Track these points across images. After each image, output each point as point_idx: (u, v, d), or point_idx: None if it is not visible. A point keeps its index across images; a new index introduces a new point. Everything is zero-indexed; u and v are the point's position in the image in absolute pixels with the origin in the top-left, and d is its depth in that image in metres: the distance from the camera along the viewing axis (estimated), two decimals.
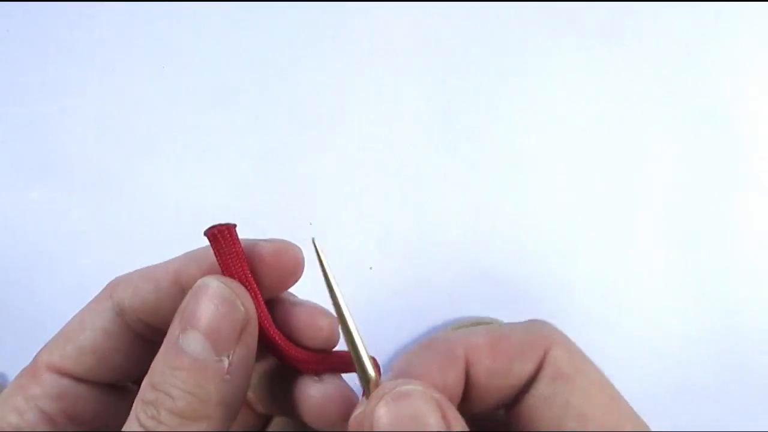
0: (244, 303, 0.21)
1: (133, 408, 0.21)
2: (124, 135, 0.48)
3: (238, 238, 0.23)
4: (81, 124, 0.48)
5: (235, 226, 0.23)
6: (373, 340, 0.43)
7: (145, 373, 0.21)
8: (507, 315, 0.45)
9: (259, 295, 0.23)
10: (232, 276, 0.22)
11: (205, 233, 0.22)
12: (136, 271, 0.25)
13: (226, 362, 0.21)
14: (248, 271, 0.23)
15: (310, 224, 0.47)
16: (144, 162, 0.48)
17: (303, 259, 0.23)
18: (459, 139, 0.47)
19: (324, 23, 0.48)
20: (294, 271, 0.23)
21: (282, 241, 0.24)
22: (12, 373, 0.45)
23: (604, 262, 0.45)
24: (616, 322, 0.45)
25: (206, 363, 0.20)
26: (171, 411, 0.20)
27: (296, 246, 0.24)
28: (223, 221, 0.23)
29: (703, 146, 0.46)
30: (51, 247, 0.47)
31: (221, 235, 0.22)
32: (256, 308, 0.22)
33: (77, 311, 0.24)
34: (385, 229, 0.46)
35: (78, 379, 0.24)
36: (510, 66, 0.47)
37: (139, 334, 0.24)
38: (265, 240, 0.24)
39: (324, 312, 0.24)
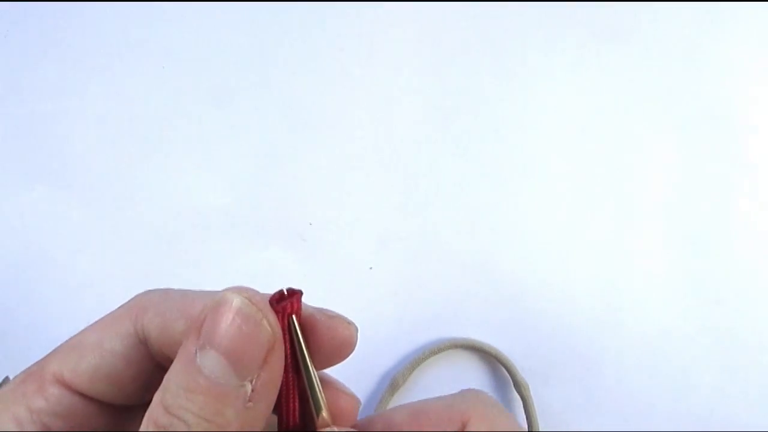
0: (271, 323, 0.20)
1: (143, 427, 0.19)
2: (124, 135, 0.48)
3: (300, 308, 0.21)
4: (81, 124, 0.48)
5: (302, 293, 0.21)
6: (373, 340, 0.43)
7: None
8: (507, 314, 0.45)
9: (308, 361, 0.21)
10: (282, 332, 0.20)
11: (271, 301, 0.21)
12: (167, 296, 0.23)
13: (248, 387, 0.19)
14: (303, 346, 0.21)
15: (310, 224, 0.47)
16: (144, 162, 0.48)
17: (356, 338, 0.22)
18: (459, 138, 0.47)
19: (324, 23, 0.48)
20: (345, 348, 0.22)
21: (339, 316, 0.22)
22: (11, 375, 0.45)
23: (604, 261, 0.45)
24: (616, 322, 0.45)
25: (227, 388, 0.18)
26: None
27: (353, 323, 0.22)
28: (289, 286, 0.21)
29: (703, 146, 0.46)
30: (51, 247, 0.47)
31: (290, 307, 0.21)
32: (297, 371, 0.21)
33: (75, 312, 0.23)
34: (385, 229, 0.46)
35: (88, 397, 0.22)
36: (510, 66, 0.47)
37: (160, 364, 0.23)
38: (320, 310, 0.22)
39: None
